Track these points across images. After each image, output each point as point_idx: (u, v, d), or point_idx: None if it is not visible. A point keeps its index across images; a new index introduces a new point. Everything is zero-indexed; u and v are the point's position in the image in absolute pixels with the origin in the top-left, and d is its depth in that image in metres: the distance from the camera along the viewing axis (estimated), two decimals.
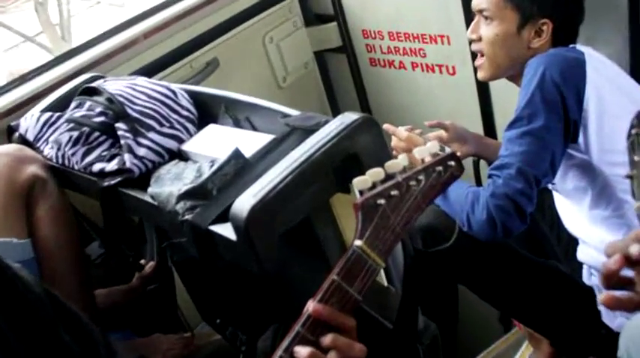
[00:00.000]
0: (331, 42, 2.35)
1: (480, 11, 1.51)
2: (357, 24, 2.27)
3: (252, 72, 2.20)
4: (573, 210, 1.49)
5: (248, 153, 1.03)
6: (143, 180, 1.14)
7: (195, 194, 1.00)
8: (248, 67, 2.18)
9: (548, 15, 1.44)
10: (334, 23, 2.31)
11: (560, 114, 1.32)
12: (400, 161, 0.82)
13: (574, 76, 1.34)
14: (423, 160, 0.84)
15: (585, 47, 1.45)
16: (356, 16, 2.25)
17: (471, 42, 1.57)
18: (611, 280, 0.70)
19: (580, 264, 1.52)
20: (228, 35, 2.09)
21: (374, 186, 0.80)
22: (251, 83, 2.19)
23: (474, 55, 1.63)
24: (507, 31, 1.46)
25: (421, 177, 0.83)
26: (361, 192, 0.80)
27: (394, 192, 0.81)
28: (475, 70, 1.61)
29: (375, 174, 0.80)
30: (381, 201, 0.80)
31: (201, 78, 1.98)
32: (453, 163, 0.85)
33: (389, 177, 0.81)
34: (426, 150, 0.85)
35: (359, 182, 0.80)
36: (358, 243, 0.78)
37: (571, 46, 1.46)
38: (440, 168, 0.84)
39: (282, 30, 2.26)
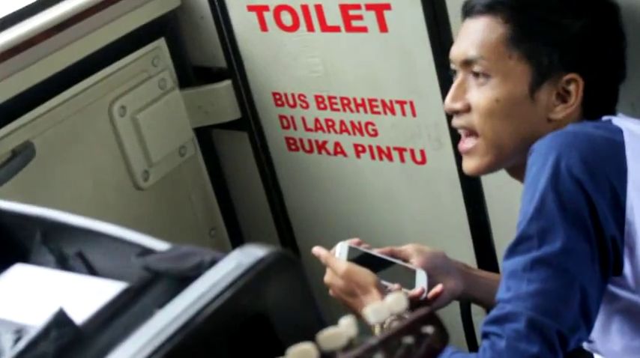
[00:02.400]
0: (223, 113, 2.39)
1: (468, 64, 1.54)
2: (265, 83, 2.31)
3: (91, 165, 2.19)
4: None
5: (80, 316, 1.01)
6: None
7: None
8: (84, 157, 2.18)
9: (576, 68, 1.50)
10: (228, 82, 2.35)
11: (588, 228, 1.36)
12: (343, 330, 0.81)
13: (605, 167, 1.38)
14: (381, 325, 0.83)
15: (627, 120, 1.51)
16: (263, 70, 2.29)
17: (451, 114, 1.62)
18: None
19: None
20: (50, 105, 2.09)
21: None
22: (90, 185, 2.18)
23: (454, 133, 1.68)
24: (515, 94, 1.51)
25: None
26: None
27: None
28: (458, 154, 1.66)
29: (301, 354, 0.79)
30: None
31: (2, 177, 1.96)
32: (430, 330, 0.84)
33: (324, 357, 0.80)
34: (385, 309, 0.83)
35: None
36: None
37: (605, 118, 1.53)
38: (409, 339, 0.82)
39: (141, 94, 2.29)
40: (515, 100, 1.51)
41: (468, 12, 1.58)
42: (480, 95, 1.53)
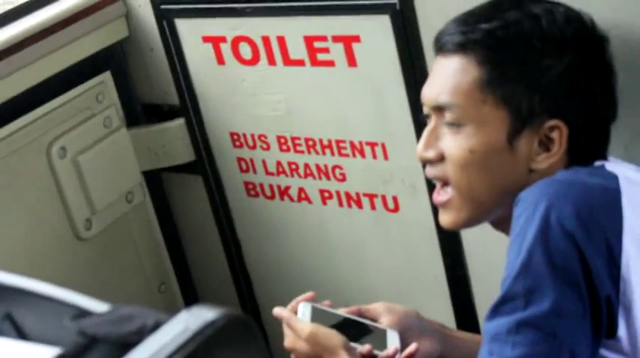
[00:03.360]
0: (175, 154, 2.39)
1: (440, 109, 1.52)
2: (222, 122, 2.31)
3: (26, 213, 2.18)
4: None
5: None
6: None
7: None
8: (19, 203, 2.16)
9: (560, 113, 1.48)
10: (180, 121, 2.35)
11: (580, 288, 1.35)
12: None
13: (601, 219, 1.38)
14: None
15: (621, 165, 1.51)
16: (220, 107, 2.30)
17: (424, 163, 1.61)
18: None
19: None
20: None
21: None
22: (25, 235, 2.17)
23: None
24: (492, 144, 1.49)
25: None
26: None
27: None
28: (434, 203, 1.66)
29: None
30: None
31: None
32: None
33: None
34: None
35: None
36: None
37: (597, 163, 1.53)
38: None
39: (83, 133, 2.28)
40: (493, 150, 1.49)
41: (439, 49, 1.55)
42: (453, 144, 1.51)
